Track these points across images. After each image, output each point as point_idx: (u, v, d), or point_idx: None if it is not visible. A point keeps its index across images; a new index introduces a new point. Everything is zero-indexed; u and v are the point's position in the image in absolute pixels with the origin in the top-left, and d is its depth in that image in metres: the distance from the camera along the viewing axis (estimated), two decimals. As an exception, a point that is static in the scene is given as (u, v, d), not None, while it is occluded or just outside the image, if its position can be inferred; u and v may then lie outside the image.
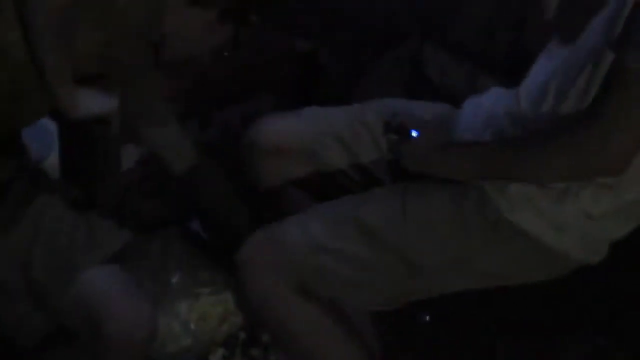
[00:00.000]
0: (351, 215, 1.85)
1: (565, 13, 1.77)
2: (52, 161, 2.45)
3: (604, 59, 1.64)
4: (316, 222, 1.87)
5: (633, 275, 2.30)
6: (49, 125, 2.45)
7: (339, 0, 3.00)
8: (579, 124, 1.64)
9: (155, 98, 2.06)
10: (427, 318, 2.45)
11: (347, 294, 1.91)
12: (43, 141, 2.48)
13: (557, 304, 2.36)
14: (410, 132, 1.91)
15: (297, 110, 2.12)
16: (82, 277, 1.86)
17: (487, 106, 1.94)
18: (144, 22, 1.85)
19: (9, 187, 1.91)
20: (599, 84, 1.65)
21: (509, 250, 1.80)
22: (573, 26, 1.71)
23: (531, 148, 1.71)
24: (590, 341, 2.36)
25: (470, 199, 1.80)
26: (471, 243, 1.81)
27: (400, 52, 2.79)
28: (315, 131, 2.07)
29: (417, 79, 2.71)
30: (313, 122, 2.09)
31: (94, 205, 2.02)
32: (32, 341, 1.93)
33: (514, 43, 2.58)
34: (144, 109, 2.04)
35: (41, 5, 1.66)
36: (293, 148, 2.08)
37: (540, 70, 1.83)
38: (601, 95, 1.63)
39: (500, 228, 1.78)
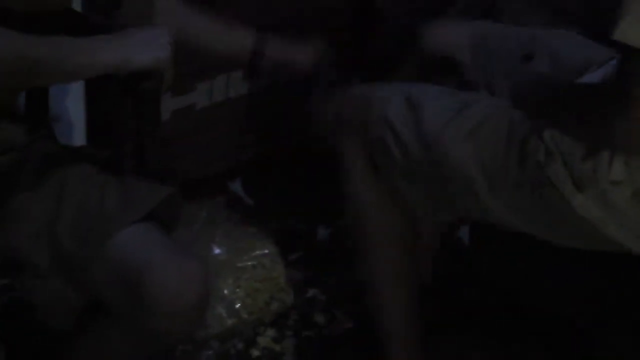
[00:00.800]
0: (420, 105, 1.92)
1: None
2: (74, 111, 2.29)
3: None
4: (398, 98, 1.95)
5: None
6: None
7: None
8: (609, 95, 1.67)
9: None
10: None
11: (398, 183, 1.95)
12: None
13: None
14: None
15: (467, 21, 2.19)
16: (115, 239, 1.64)
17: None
18: None
19: (28, 154, 1.75)
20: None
21: (532, 194, 1.77)
22: None
23: (576, 101, 1.76)
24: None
25: (522, 128, 1.79)
26: (504, 167, 1.79)
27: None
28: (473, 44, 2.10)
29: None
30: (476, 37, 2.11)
31: (126, 167, 1.84)
32: (67, 322, 1.73)
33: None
34: None
35: None
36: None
37: None
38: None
39: (531, 169, 1.75)
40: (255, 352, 2.15)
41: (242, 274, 2.16)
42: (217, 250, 2.18)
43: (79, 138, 2.30)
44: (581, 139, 1.71)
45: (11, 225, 1.69)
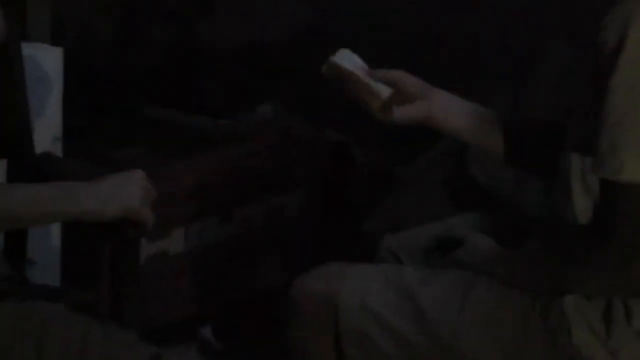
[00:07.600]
0: (412, 291, 1.80)
1: None
2: (49, 255, 2.25)
3: None
4: (378, 285, 1.83)
5: None
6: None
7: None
8: (595, 245, 1.66)
9: None
10: None
11: None
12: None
13: None
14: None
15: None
16: None
17: None
18: None
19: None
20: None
21: None
22: None
23: (561, 262, 1.73)
24: None
25: (536, 308, 1.74)
26: (526, 347, 1.74)
27: (442, 148, 2.60)
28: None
29: (460, 178, 2.52)
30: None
31: (102, 311, 1.86)
32: None
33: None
34: None
35: None
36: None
37: None
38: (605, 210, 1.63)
39: (559, 345, 1.71)
40: None
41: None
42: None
43: (52, 282, 2.30)
44: (596, 294, 1.69)
45: None
